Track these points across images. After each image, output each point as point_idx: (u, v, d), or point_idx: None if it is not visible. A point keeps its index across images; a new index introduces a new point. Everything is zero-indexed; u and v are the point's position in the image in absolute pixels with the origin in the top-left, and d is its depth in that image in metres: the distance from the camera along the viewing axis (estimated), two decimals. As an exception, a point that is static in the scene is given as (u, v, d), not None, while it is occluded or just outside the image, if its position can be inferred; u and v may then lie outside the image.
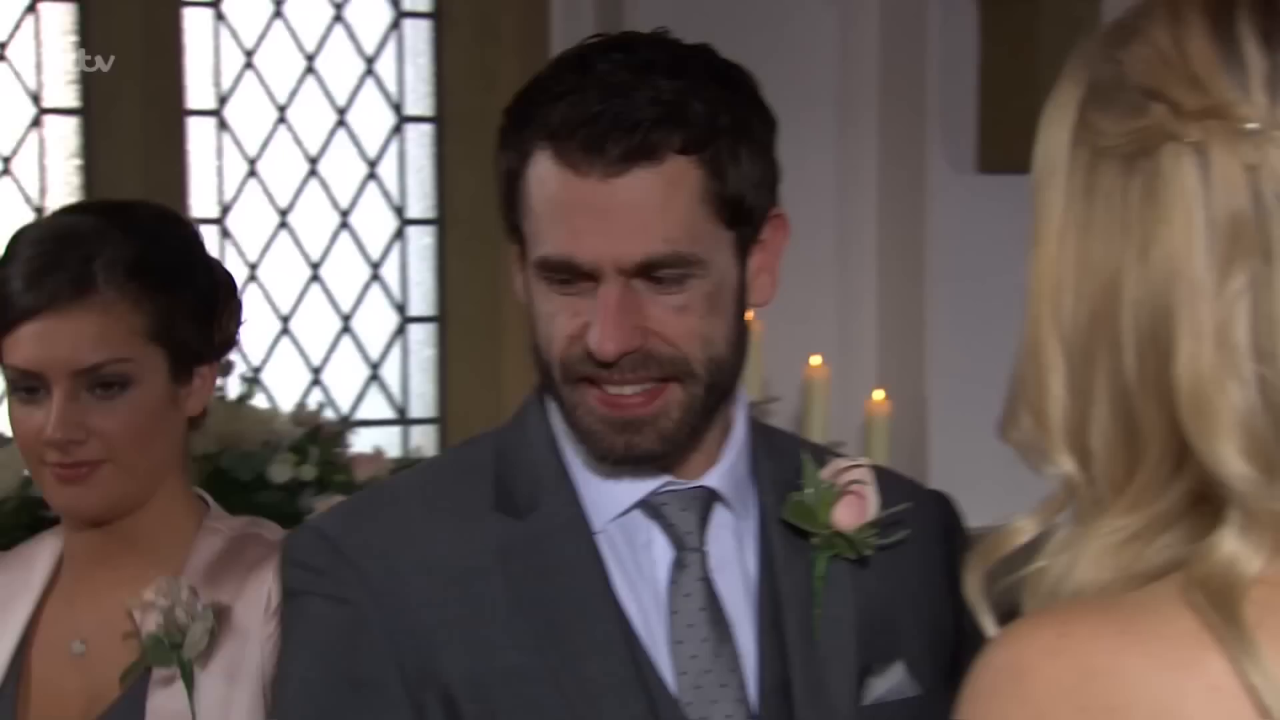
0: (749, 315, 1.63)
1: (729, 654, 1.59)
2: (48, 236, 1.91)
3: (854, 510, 1.62)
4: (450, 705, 1.54)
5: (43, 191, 3.89)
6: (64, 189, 3.91)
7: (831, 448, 1.82)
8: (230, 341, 2.00)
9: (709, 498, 1.63)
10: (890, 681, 1.62)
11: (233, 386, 3.61)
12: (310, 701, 1.60)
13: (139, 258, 1.88)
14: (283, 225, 4.11)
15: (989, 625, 1.07)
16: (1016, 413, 1.09)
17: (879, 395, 3.81)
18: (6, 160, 3.86)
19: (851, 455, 1.72)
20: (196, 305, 1.93)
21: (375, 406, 4.23)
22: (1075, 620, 1.03)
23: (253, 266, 4.07)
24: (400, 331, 4.25)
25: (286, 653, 1.65)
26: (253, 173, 4.06)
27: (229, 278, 2.02)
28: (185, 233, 2.01)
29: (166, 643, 1.85)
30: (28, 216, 3.77)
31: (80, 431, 1.87)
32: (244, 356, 4.02)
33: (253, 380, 3.70)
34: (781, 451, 1.69)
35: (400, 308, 4.24)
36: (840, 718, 1.59)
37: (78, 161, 3.93)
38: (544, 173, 1.54)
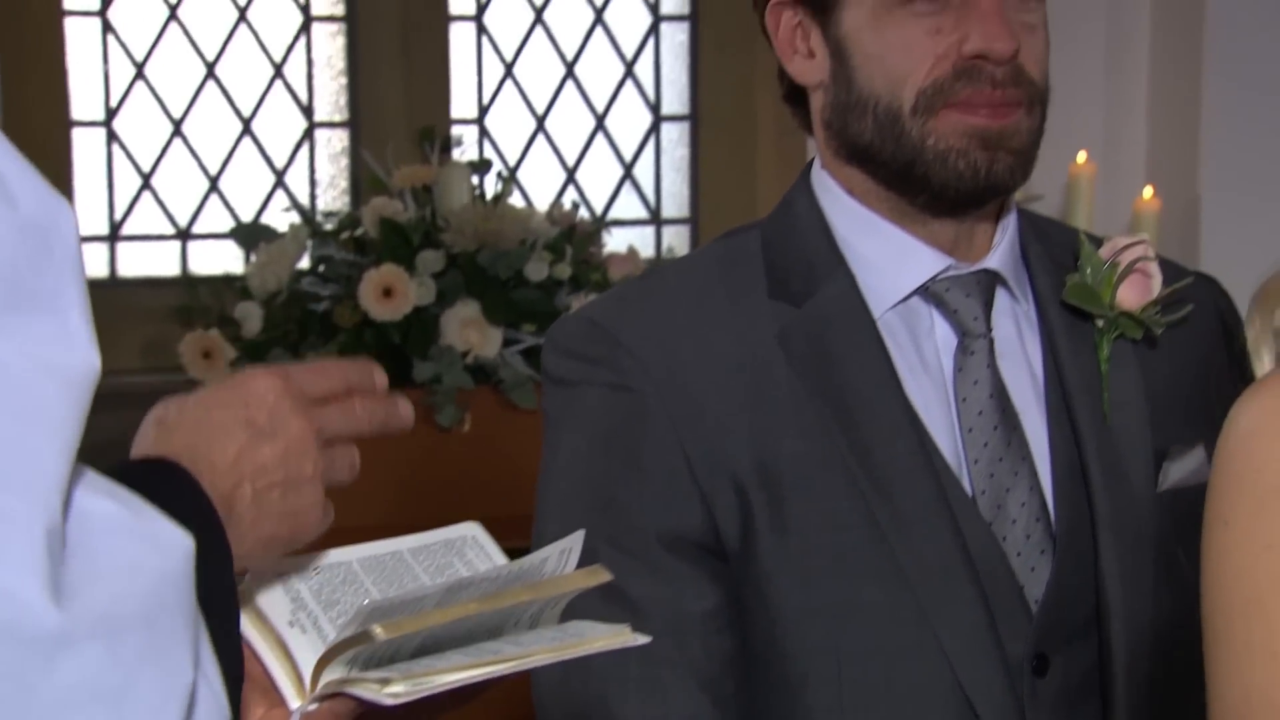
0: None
1: (1019, 442, 1.53)
2: None
3: (1139, 288, 1.56)
4: (741, 494, 1.50)
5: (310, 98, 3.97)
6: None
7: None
8: None
9: (991, 281, 1.57)
10: (1189, 465, 1.55)
11: (489, 186, 3.61)
12: (587, 484, 1.53)
13: None
14: (538, 22, 4.09)
15: (1267, 365, 1.03)
16: None
17: (1148, 193, 3.66)
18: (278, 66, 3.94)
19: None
20: None
21: (629, 206, 4.21)
22: None
23: (509, 65, 4.07)
24: (654, 130, 4.21)
25: (557, 443, 1.57)
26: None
27: None
28: None
29: None
30: (299, 124, 3.91)
31: None
32: (500, 156, 4.03)
33: (509, 179, 3.70)
34: (1046, 234, 1.63)
35: (654, 107, 4.19)
36: (1139, 504, 1.54)
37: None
38: None
